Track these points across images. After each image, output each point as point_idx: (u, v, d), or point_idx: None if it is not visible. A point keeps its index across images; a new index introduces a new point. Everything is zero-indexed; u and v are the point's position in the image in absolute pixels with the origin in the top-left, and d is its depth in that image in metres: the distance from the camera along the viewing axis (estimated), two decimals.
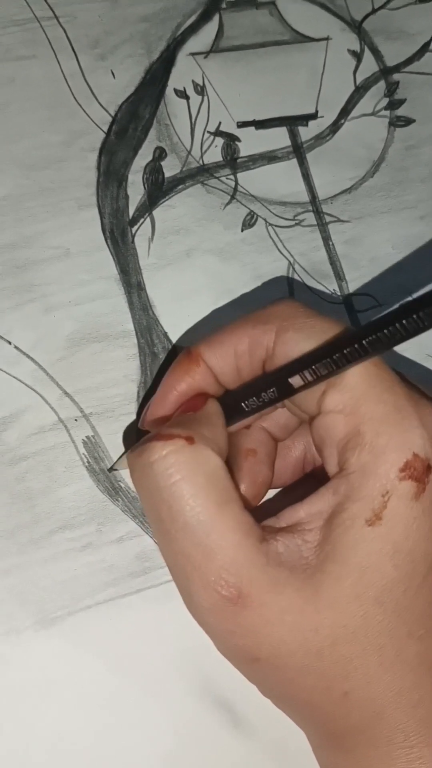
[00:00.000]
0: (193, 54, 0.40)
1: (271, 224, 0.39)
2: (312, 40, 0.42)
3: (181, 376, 0.31)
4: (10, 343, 0.35)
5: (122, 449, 0.35)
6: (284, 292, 0.39)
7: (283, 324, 0.29)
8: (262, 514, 0.29)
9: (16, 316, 0.35)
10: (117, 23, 0.39)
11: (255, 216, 0.39)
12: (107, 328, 0.36)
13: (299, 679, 0.27)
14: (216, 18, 0.41)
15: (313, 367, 0.27)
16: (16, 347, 0.35)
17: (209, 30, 0.41)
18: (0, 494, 0.33)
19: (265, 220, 0.39)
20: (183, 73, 0.40)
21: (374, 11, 0.43)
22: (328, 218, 0.40)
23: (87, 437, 0.35)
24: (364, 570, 0.26)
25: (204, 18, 0.41)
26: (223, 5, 0.41)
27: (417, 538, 0.27)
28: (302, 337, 0.28)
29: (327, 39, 0.42)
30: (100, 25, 0.39)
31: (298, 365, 0.28)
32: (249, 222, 0.39)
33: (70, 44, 0.39)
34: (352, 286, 0.39)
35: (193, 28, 0.41)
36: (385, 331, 0.26)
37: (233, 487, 0.28)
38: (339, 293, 0.39)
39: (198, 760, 0.33)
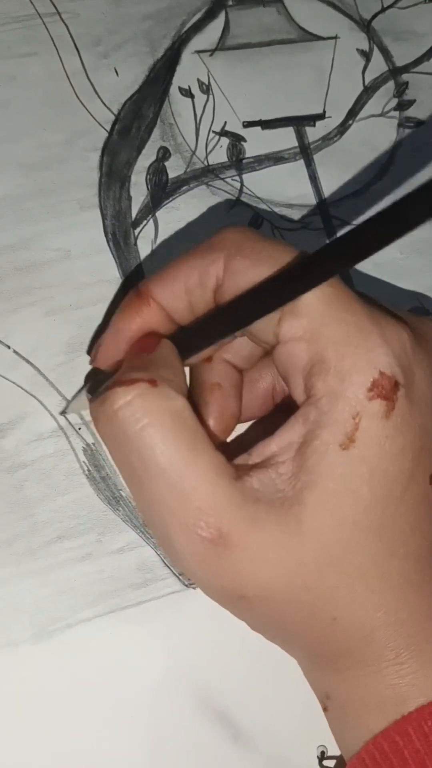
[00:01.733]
0: (198, 52, 0.40)
1: (277, 227, 0.39)
2: (320, 38, 0.41)
3: (132, 317, 0.30)
4: (9, 347, 0.34)
5: None
6: None
7: (231, 252, 0.28)
8: (233, 450, 0.28)
9: (16, 319, 0.35)
10: (120, 21, 0.39)
11: (261, 218, 0.39)
12: None
13: (287, 612, 0.27)
14: (222, 15, 0.40)
15: (265, 297, 0.27)
16: (15, 351, 0.34)
17: (215, 28, 0.40)
18: None
19: (271, 222, 0.39)
20: (188, 71, 0.39)
21: (383, 10, 0.43)
22: (335, 221, 0.39)
23: (87, 445, 0.34)
24: (341, 495, 0.26)
25: (209, 15, 0.40)
26: (229, 2, 0.41)
27: (391, 456, 0.27)
28: (250, 264, 0.28)
29: (335, 38, 0.42)
30: (103, 23, 0.39)
31: (246, 295, 0.27)
32: (255, 224, 0.38)
33: (73, 41, 0.38)
34: (359, 290, 0.39)
35: (198, 26, 0.40)
36: (338, 250, 0.25)
37: (200, 426, 0.27)
38: None
39: None
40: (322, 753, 0.33)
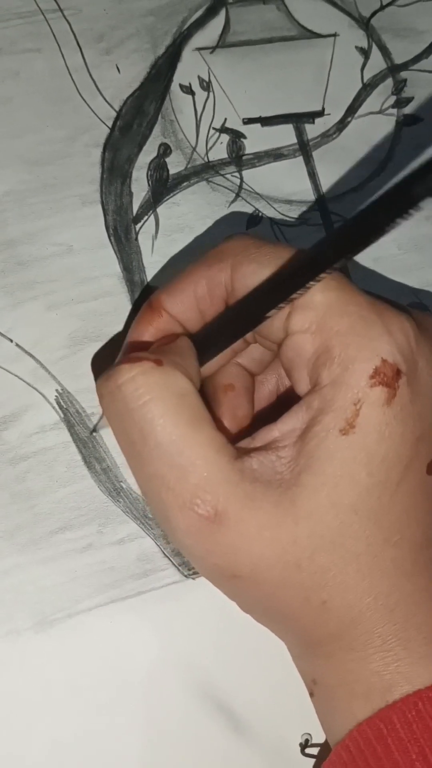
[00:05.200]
0: (199, 49, 0.40)
1: (276, 223, 0.39)
2: (319, 36, 0.42)
3: (146, 328, 0.31)
4: (11, 340, 0.35)
5: None
6: None
7: (237, 258, 0.29)
8: (237, 438, 0.29)
9: (18, 313, 0.35)
10: (122, 17, 0.39)
11: (260, 214, 0.39)
12: (110, 327, 0.36)
13: (278, 593, 0.28)
14: (222, 13, 0.41)
15: (273, 292, 0.27)
16: (17, 345, 0.35)
17: (215, 25, 0.40)
18: (0, 494, 0.33)
19: (270, 218, 0.39)
20: (189, 68, 0.40)
21: (382, 8, 0.43)
22: (334, 217, 0.40)
23: (88, 436, 0.34)
24: (339, 479, 0.27)
25: (210, 13, 0.40)
26: (230, 0, 0.41)
27: (389, 443, 0.27)
28: (257, 267, 0.29)
29: (334, 35, 0.42)
30: (105, 19, 0.39)
31: (258, 294, 0.28)
32: (254, 220, 0.39)
33: (75, 38, 0.38)
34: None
35: (200, 23, 0.40)
36: (339, 244, 0.26)
37: (204, 407, 0.28)
38: None
39: (198, 763, 0.33)
40: (306, 741, 0.34)
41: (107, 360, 0.35)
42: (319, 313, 0.27)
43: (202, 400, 0.28)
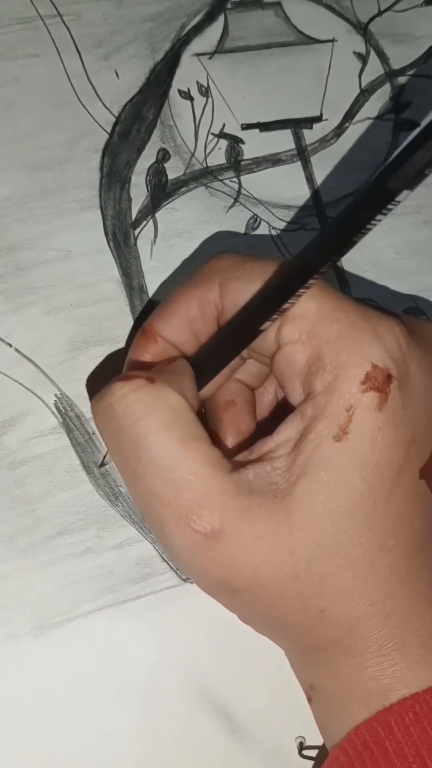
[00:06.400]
0: (197, 54, 0.40)
1: (274, 228, 0.39)
2: (317, 41, 0.42)
3: (142, 356, 0.31)
4: (10, 345, 0.35)
5: None
6: None
7: (224, 276, 0.29)
8: (242, 452, 0.29)
9: (17, 318, 0.35)
10: (121, 23, 0.39)
11: (258, 219, 0.39)
12: (109, 332, 0.36)
13: (277, 603, 0.28)
14: (221, 18, 0.41)
15: (264, 305, 0.28)
16: (16, 350, 0.35)
17: (214, 30, 0.41)
18: None
19: (268, 223, 0.39)
20: (187, 73, 0.40)
21: (380, 13, 0.43)
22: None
23: (87, 441, 0.34)
24: (333, 486, 0.27)
25: (209, 18, 0.41)
26: (229, 5, 0.41)
27: (382, 448, 0.27)
28: (245, 283, 0.29)
29: (332, 41, 0.42)
30: (104, 25, 0.39)
31: (250, 309, 0.28)
32: (252, 225, 0.39)
33: (74, 43, 0.38)
34: (355, 291, 0.39)
35: (198, 29, 0.40)
36: (323, 248, 0.26)
37: (198, 423, 0.28)
38: None
39: (196, 766, 0.33)
40: (301, 743, 0.34)
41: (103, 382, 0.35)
42: (308, 322, 0.28)
43: (195, 416, 0.28)
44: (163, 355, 0.31)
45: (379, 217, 0.24)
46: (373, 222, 0.24)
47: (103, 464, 0.34)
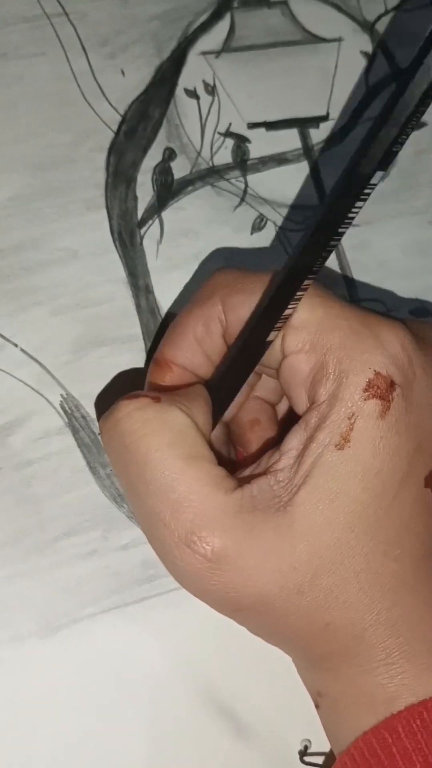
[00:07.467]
0: (203, 53, 0.40)
1: (280, 227, 0.39)
2: (324, 40, 0.42)
3: (158, 387, 0.31)
4: (16, 345, 0.35)
5: None
6: None
7: (225, 291, 0.30)
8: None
9: (23, 318, 0.35)
10: (128, 22, 0.39)
11: (265, 219, 0.39)
12: (114, 332, 0.36)
13: (282, 620, 0.27)
14: (227, 17, 0.41)
15: (267, 314, 0.28)
16: (22, 350, 0.35)
17: (220, 29, 0.40)
18: (5, 499, 0.33)
19: (274, 223, 0.39)
20: (193, 72, 0.40)
21: (387, 12, 0.43)
22: None
23: (93, 442, 0.34)
24: (334, 495, 0.27)
25: (215, 17, 0.40)
26: (235, 4, 0.41)
27: (384, 456, 0.27)
28: (246, 296, 0.29)
29: (339, 40, 0.42)
30: (110, 23, 0.39)
31: (254, 321, 0.28)
32: (258, 225, 0.39)
33: (80, 42, 0.38)
34: (361, 291, 0.39)
35: (204, 28, 0.40)
36: (312, 246, 0.26)
37: (204, 443, 0.28)
38: (348, 299, 0.39)
39: (200, 767, 0.33)
40: (305, 747, 0.34)
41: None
42: (310, 331, 0.28)
43: (203, 436, 0.28)
44: (179, 383, 0.31)
45: (359, 204, 0.24)
46: (354, 210, 0.25)
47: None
